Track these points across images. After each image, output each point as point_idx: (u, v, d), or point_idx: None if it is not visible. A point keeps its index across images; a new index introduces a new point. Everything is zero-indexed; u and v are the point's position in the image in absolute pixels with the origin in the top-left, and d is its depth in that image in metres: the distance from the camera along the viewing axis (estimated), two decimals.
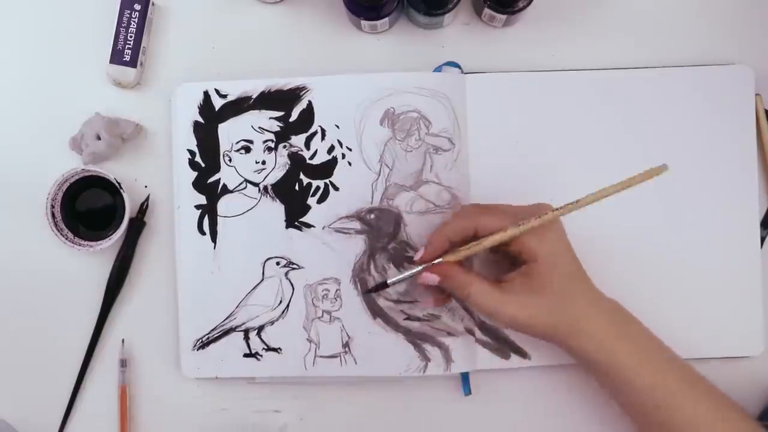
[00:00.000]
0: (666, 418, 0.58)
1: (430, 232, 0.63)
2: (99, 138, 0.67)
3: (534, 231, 0.58)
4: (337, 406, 0.68)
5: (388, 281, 0.62)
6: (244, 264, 0.67)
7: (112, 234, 0.67)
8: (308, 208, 0.67)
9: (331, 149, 0.67)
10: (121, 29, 0.68)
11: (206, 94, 0.68)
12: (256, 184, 0.67)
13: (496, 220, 0.59)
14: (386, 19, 0.66)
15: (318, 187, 0.67)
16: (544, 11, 0.69)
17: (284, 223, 0.67)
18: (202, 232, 0.67)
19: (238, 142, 0.68)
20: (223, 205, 0.67)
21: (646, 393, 0.58)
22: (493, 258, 0.66)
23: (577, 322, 0.59)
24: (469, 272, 0.61)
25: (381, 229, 0.66)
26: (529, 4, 0.65)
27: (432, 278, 0.61)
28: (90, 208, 0.69)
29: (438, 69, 0.69)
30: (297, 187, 0.67)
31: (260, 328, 0.67)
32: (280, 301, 0.67)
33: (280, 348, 0.67)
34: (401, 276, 0.62)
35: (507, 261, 0.62)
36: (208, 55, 0.70)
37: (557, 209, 0.58)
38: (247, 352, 0.67)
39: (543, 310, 0.59)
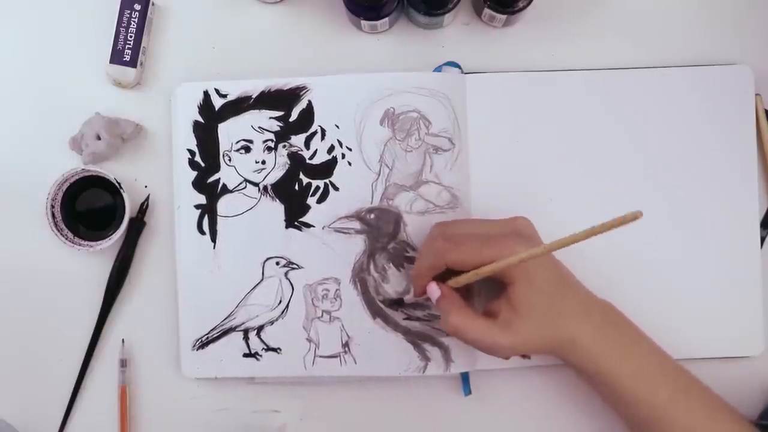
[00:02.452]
0: (662, 426, 0.58)
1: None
2: (99, 138, 0.67)
3: (506, 250, 0.56)
4: (337, 406, 0.68)
5: (405, 298, 0.65)
6: (244, 264, 0.67)
7: (112, 234, 0.67)
8: (308, 208, 0.67)
9: (331, 149, 0.67)
10: (121, 29, 0.68)
11: (206, 94, 0.68)
12: (255, 184, 0.67)
13: (469, 253, 0.58)
14: (386, 19, 0.66)
15: (318, 187, 0.67)
16: (544, 11, 0.69)
17: (284, 223, 0.67)
18: (202, 232, 0.67)
19: (238, 142, 0.68)
20: (223, 204, 0.67)
21: (640, 405, 0.58)
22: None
23: (568, 334, 0.58)
24: (466, 309, 0.59)
25: (381, 229, 0.66)
26: (529, 4, 0.65)
27: (435, 292, 0.60)
28: (90, 208, 0.69)
29: (438, 69, 0.69)
30: (297, 187, 0.67)
31: (260, 328, 0.67)
32: (280, 301, 0.67)
33: (279, 348, 0.67)
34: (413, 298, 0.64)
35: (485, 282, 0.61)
36: (208, 55, 0.70)
37: (547, 245, 0.53)
38: (247, 352, 0.67)
39: (533, 331, 0.58)
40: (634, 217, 0.47)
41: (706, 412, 0.59)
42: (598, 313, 0.60)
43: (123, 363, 0.68)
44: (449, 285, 0.60)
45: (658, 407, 0.58)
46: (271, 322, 0.67)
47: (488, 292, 0.65)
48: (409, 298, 0.64)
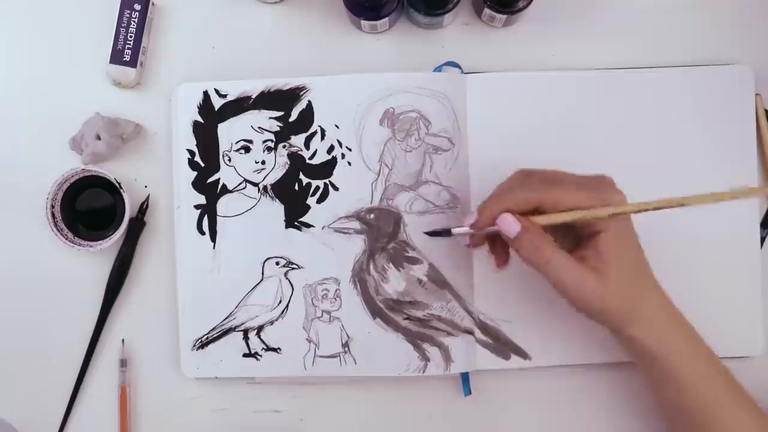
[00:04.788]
0: (710, 421, 0.57)
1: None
2: (99, 138, 0.67)
3: (606, 195, 0.55)
4: (337, 406, 0.68)
5: (453, 230, 0.59)
6: (244, 264, 0.67)
7: (112, 234, 0.67)
8: (308, 208, 0.67)
9: (330, 149, 0.67)
10: (121, 29, 0.68)
11: (206, 94, 0.68)
12: (255, 184, 0.67)
13: (567, 194, 0.55)
14: (386, 19, 0.66)
15: (318, 187, 0.67)
16: (544, 11, 0.69)
17: (284, 223, 0.67)
18: (202, 232, 0.67)
19: (237, 142, 0.68)
20: (223, 205, 0.67)
21: (691, 394, 0.58)
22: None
23: (641, 307, 0.57)
24: (549, 239, 0.55)
25: (381, 229, 0.66)
26: (529, 4, 0.65)
27: (513, 226, 0.55)
28: (90, 208, 0.69)
29: (438, 69, 0.69)
30: (296, 187, 0.67)
31: (260, 328, 0.67)
32: (280, 301, 0.67)
33: (279, 348, 0.67)
34: (463, 229, 0.58)
35: (561, 232, 0.59)
36: (208, 55, 0.70)
37: (646, 204, 0.53)
38: (247, 352, 0.67)
39: (619, 283, 0.55)
40: (754, 192, 0.46)
41: (753, 416, 0.58)
42: (666, 301, 0.59)
43: (123, 363, 0.68)
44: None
45: (709, 398, 0.57)
46: (271, 322, 0.67)
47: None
48: (458, 230, 0.58)
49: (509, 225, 0.55)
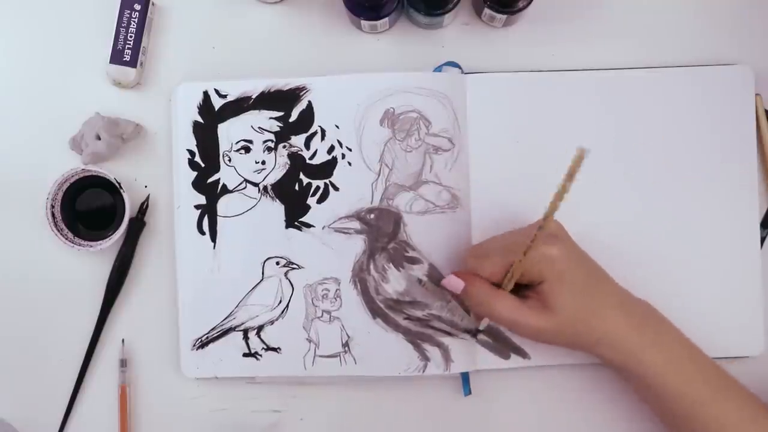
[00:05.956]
0: (698, 424, 0.58)
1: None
2: (99, 138, 0.67)
3: (536, 253, 0.57)
4: (337, 406, 0.68)
5: (480, 327, 0.64)
6: (244, 264, 0.67)
7: (112, 234, 0.67)
8: (308, 208, 0.67)
9: (331, 149, 0.67)
10: (121, 29, 0.68)
11: (206, 94, 0.68)
12: (255, 184, 0.67)
13: (493, 265, 0.59)
14: (386, 19, 0.66)
15: (318, 187, 0.67)
16: (544, 11, 0.69)
17: (284, 223, 0.67)
18: (202, 232, 0.67)
19: (237, 142, 0.68)
20: (223, 205, 0.67)
21: (676, 400, 0.58)
22: None
23: (599, 330, 0.59)
24: (492, 287, 0.60)
25: (381, 229, 0.66)
26: (529, 4, 0.65)
27: (457, 284, 0.60)
28: (90, 208, 0.69)
29: (438, 69, 0.69)
30: (297, 187, 0.67)
31: (260, 328, 0.67)
32: (280, 301, 0.67)
33: (279, 348, 0.67)
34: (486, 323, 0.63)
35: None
36: (208, 55, 0.70)
37: (538, 221, 0.56)
38: (247, 351, 0.67)
39: (561, 326, 0.58)
40: (581, 152, 0.50)
41: (743, 411, 0.58)
42: (633, 309, 0.60)
43: (123, 363, 0.68)
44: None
45: (690, 401, 0.58)
46: (271, 322, 0.67)
47: None
48: (484, 323, 0.63)
49: (454, 283, 0.61)
